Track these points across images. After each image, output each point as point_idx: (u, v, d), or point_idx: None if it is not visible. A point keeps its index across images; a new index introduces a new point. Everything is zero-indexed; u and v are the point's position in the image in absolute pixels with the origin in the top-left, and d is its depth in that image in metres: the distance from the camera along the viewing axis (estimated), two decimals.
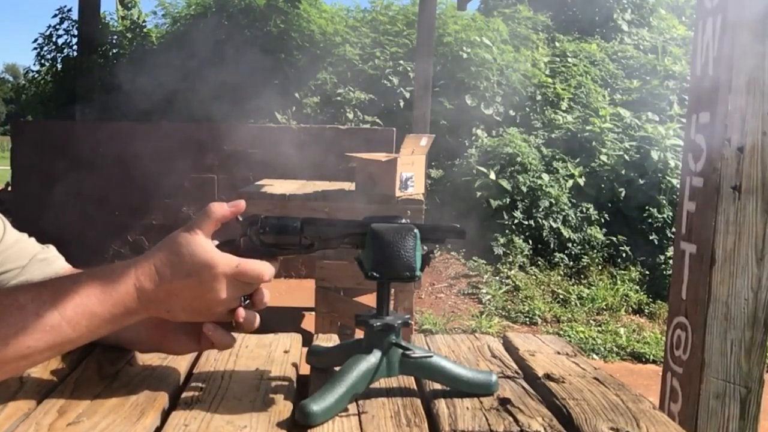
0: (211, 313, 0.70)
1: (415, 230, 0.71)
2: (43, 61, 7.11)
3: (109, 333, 0.68)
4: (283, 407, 0.70)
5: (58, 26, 7.08)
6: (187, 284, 0.66)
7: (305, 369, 0.83)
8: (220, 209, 0.69)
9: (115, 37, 7.19)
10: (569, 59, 7.20)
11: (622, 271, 5.20)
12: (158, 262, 0.67)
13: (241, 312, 0.70)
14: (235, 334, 0.73)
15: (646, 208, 5.55)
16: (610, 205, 5.74)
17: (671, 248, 5.12)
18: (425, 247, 0.73)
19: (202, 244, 0.67)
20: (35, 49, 7.04)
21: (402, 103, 6.32)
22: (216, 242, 0.70)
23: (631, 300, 4.82)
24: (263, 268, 0.69)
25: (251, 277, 0.68)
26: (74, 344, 0.67)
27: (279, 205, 3.02)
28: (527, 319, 4.42)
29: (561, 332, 4.18)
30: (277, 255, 0.72)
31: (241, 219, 0.72)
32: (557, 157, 5.99)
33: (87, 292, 0.65)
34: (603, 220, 5.63)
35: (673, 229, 5.07)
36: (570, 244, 5.42)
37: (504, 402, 0.73)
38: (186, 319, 0.71)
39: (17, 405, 0.68)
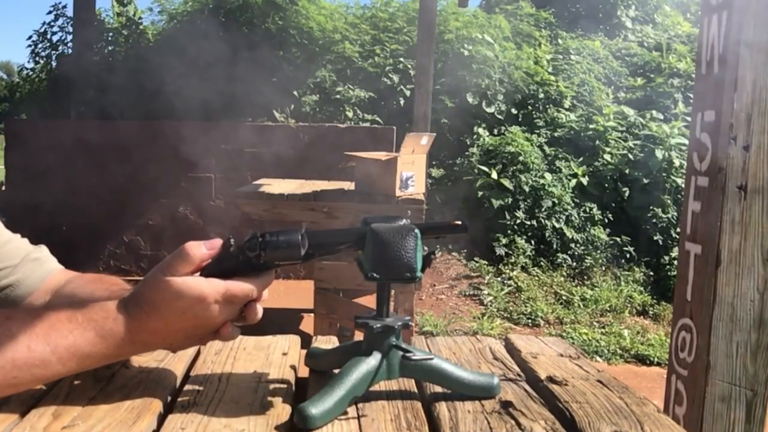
0: (211, 330, 0.71)
1: (416, 230, 0.70)
2: (37, 58, 7.10)
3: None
4: (281, 410, 0.69)
5: (53, 23, 7.06)
6: (182, 319, 0.67)
7: (304, 371, 0.82)
8: (198, 252, 0.68)
9: (111, 34, 7.15)
10: (572, 57, 7.17)
11: (626, 272, 5.18)
12: (151, 310, 0.67)
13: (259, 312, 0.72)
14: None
15: (651, 207, 5.53)
16: (613, 204, 5.72)
17: (676, 249, 5.12)
18: (426, 248, 0.72)
19: (186, 283, 0.67)
20: (30, 46, 7.04)
21: (402, 102, 6.29)
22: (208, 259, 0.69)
23: (635, 301, 4.79)
24: (251, 288, 0.69)
25: (242, 299, 0.69)
26: (62, 376, 0.67)
27: (277, 205, 3.01)
28: (529, 320, 4.40)
29: (564, 334, 4.17)
30: (276, 268, 0.72)
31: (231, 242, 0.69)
32: (560, 156, 5.97)
33: (82, 334, 0.65)
34: (606, 220, 5.61)
35: (678, 230, 5.06)
36: (573, 245, 5.40)
37: (506, 405, 0.72)
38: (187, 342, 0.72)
39: (11, 409, 0.67)
